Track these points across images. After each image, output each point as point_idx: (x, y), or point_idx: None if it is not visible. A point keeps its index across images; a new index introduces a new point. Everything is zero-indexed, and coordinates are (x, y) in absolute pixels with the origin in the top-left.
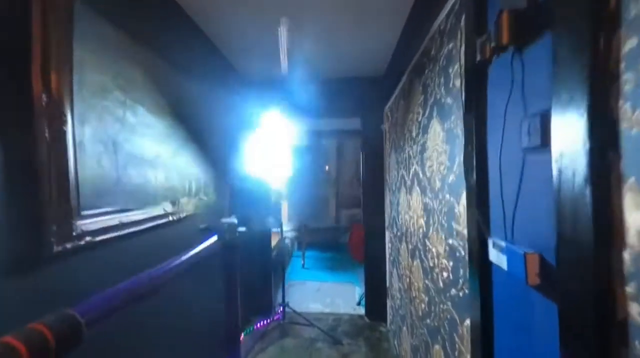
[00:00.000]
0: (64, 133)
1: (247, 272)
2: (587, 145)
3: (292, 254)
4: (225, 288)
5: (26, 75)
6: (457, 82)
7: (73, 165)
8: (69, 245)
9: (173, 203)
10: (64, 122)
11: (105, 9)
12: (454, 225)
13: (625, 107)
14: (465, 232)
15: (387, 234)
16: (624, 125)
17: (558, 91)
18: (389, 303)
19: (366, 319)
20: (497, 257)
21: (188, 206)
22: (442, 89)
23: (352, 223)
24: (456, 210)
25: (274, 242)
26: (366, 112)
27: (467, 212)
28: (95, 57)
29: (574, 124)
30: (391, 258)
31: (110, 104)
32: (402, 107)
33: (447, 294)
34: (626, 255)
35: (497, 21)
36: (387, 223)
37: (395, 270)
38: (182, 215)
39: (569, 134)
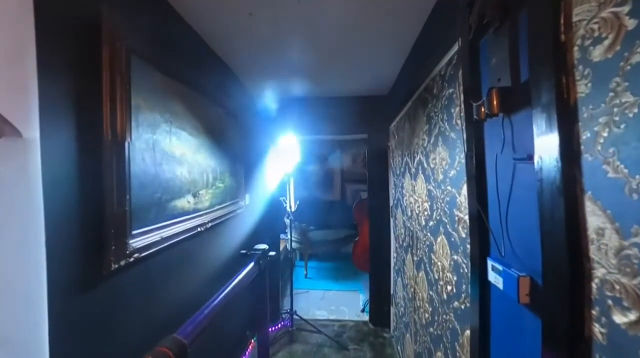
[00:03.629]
0: (124, 167)
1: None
2: (560, 164)
3: (295, 264)
4: (257, 296)
5: (99, 120)
6: (459, 122)
7: (128, 193)
8: (122, 263)
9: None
10: (125, 155)
11: (152, 58)
12: (459, 245)
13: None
14: (468, 250)
15: (393, 244)
16: (582, 154)
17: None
18: (392, 310)
19: (370, 325)
20: (494, 278)
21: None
22: (446, 124)
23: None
24: (457, 234)
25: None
26: (372, 129)
27: (470, 237)
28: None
29: (551, 155)
30: (396, 267)
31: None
32: (408, 129)
33: (450, 306)
34: (593, 285)
35: (488, 95)
36: (392, 235)
37: (400, 279)
38: (209, 225)
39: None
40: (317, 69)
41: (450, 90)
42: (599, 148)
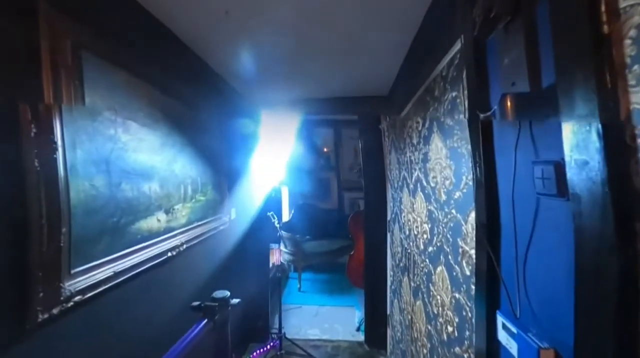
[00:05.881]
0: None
1: (242, 295)
2: (611, 209)
3: (288, 276)
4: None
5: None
6: (465, 134)
7: (66, 220)
8: (55, 311)
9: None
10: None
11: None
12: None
13: None
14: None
15: (389, 262)
16: None
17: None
18: (389, 332)
19: (366, 347)
20: (506, 339)
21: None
22: (450, 136)
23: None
24: (463, 272)
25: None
26: (368, 134)
27: (475, 278)
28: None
29: (595, 192)
30: (392, 287)
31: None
32: (405, 138)
33: (452, 350)
34: None
35: (500, 103)
36: (389, 252)
37: (396, 300)
38: (183, 248)
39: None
40: (308, 68)
41: (454, 94)
42: None
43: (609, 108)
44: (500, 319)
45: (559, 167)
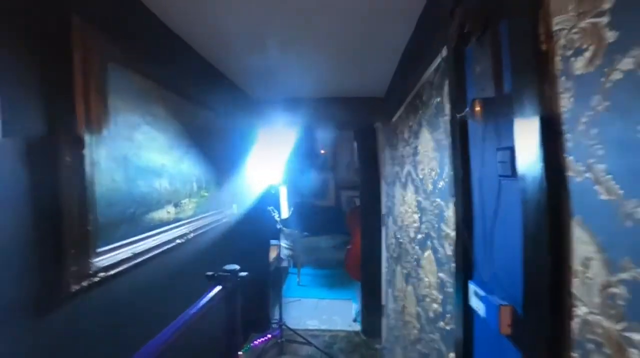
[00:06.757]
0: (83, 177)
1: (243, 285)
2: (544, 184)
3: (288, 271)
4: (226, 326)
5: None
6: (447, 132)
7: (92, 208)
8: (85, 283)
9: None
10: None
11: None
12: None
13: (569, 159)
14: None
15: (384, 254)
16: (569, 173)
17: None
18: (384, 321)
19: (362, 336)
20: (476, 303)
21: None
22: (435, 133)
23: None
24: (444, 249)
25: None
26: (363, 135)
27: (454, 256)
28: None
29: (535, 173)
30: (387, 277)
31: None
32: (398, 137)
33: (436, 325)
34: (574, 325)
35: (470, 106)
36: (384, 245)
37: (390, 290)
38: (191, 236)
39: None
40: (308, 71)
41: (438, 99)
42: (588, 166)
43: (546, 108)
44: (472, 287)
45: (513, 151)
